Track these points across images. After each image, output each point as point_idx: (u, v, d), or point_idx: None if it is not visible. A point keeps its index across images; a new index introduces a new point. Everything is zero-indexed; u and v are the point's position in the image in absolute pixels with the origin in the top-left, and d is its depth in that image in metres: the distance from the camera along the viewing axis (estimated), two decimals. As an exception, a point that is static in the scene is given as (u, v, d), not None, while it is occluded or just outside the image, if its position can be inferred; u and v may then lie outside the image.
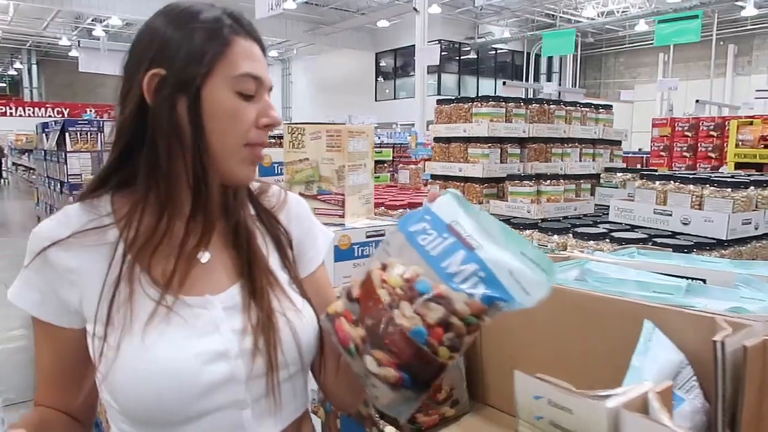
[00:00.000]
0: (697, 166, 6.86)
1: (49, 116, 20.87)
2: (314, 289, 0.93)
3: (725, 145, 6.59)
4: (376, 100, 22.44)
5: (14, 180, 21.02)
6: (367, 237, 1.54)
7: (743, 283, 1.13)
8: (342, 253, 1.50)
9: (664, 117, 8.62)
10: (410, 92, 18.97)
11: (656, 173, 2.87)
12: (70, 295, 0.79)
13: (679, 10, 16.18)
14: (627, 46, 21.98)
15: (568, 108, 3.43)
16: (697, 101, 11.20)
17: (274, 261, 0.89)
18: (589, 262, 1.32)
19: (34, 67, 29.22)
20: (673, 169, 6.86)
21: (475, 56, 21.38)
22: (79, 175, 3.48)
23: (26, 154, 17.73)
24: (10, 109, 24.42)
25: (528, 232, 2.76)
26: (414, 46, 10.82)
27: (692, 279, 1.15)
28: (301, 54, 24.70)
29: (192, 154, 0.78)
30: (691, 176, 2.69)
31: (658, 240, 2.37)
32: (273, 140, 2.70)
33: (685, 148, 7.09)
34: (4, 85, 33.62)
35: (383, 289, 0.68)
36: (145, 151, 0.79)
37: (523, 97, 3.17)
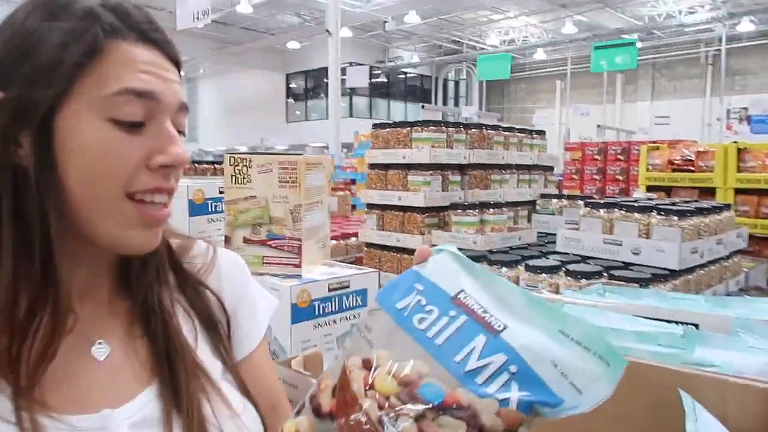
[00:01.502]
0: (607, 188, 7.15)
1: None
2: (255, 377, 0.70)
3: (631, 168, 6.92)
4: (287, 122, 22.09)
5: None
6: (330, 290, 1.28)
7: (743, 328, 1.05)
8: (300, 312, 1.22)
9: (575, 141, 8.97)
10: (322, 114, 18.84)
11: (600, 201, 2.82)
12: None
13: (574, 40, 17.25)
14: (527, 73, 23.10)
15: (505, 134, 3.34)
16: (598, 126, 11.82)
17: (203, 347, 0.65)
18: (563, 306, 1.22)
19: None
20: (585, 191, 7.11)
21: (386, 79, 21.63)
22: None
23: None
24: None
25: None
26: (326, 68, 10.65)
27: (682, 323, 1.08)
28: (209, 74, 23.92)
29: (38, 210, 0.54)
30: (635, 204, 2.66)
31: (614, 272, 2.28)
32: (210, 165, 2.39)
33: (594, 171, 7.39)
34: None
35: (370, 398, 0.47)
36: None
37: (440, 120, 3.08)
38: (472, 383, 0.47)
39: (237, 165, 1.30)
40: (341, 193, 4.21)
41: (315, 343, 1.22)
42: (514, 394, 0.46)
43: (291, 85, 22.22)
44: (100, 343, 0.60)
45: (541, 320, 0.49)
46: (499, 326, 0.49)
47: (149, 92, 0.56)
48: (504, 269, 2.55)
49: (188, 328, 0.66)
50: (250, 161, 1.30)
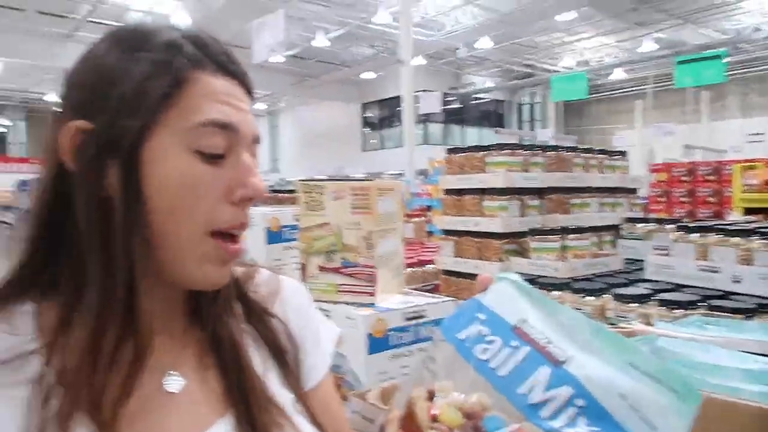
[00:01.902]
0: (697, 211, 6.71)
1: (33, 172, 21.05)
2: (321, 407, 0.68)
3: (723, 189, 6.47)
4: (363, 151, 22.50)
5: (-4, 237, 20.46)
6: (407, 320, 1.24)
7: None
8: (376, 343, 1.19)
9: (660, 163, 8.54)
10: (397, 141, 19.05)
11: (692, 225, 2.63)
12: None
13: (653, 58, 16.57)
14: (605, 93, 22.40)
15: (585, 155, 3.21)
16: (686, 146, 11.22)
17: (272, 378, 0.64)
18: (657, 339, 1.09)
19: (22, 124, 29.27)
20: (673, 214, 6.71)
21: (459, 105, 21.64)
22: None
23: (8, 210, 17.48)
24: (-6, 165, 24.79)
25: (557, 293, 2.49)
26: (399, 96, 10.78)
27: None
28: (288, 106, 24.88)
29: (122, 243, 0.53)
30: (732, 227, 2.46)
31: (713, 302, 2.10)
32: (289, 194, 2.44)
33: (683, 193, 6.97)
34: (-9, 142, 33.67)
35: (435, 430, 0.47)
36: (70, 241, 0.55)
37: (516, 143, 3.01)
38: (537, 417, 0.46)
39: (310, 192, 1.31)
40: (417, 219, 4.20)
41: (392, 375, 1.18)
42: (582, 429, 0.45)
43: (366, 115, 22.68)
44: (172, 375, 0.60)
45: (609, 351, 0.48)
46: (564, 357, 0.48)
47: (230, 124, 0.56)
48: (589, 298, 2.41)
49: (258, 358, 0.65)
50: (323, 188, 1.30)
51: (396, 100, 15.26)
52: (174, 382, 0.59)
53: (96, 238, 0.54)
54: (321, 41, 15.26)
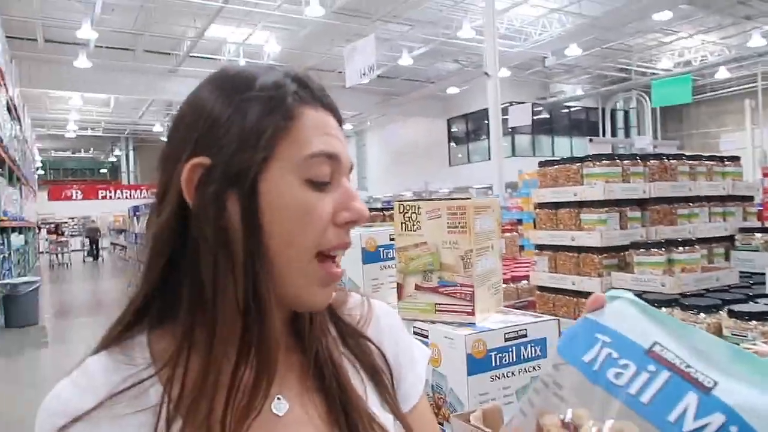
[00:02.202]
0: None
1: (144, 197, 22.94)
2: (419, 429, 0.71)
3: None
4: (450, 165, 22.44)
5: (112, 259, 22.27)
6: (507, 340, 1.21)
7: None
8: (476, 363, 1.17)
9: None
10: (484, 155, 18.87)
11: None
12: None
13: (763, 54, 15.35)
14: (709, 94, 21.00)
15: (691, 162, 3.01)
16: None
17: (372, 399, 0.65)
18: None
19: (131, 153, 31.93)
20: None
21: (548, 115, 21.08)
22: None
23: (122, 234, 19.04)
24: (110, 192, 27.79)
25: (665, 309, 2.33)
26: (486, 109, 10.67)
27: None
28: (374, 125, 25.33)
29: (243, 269, 0.56)
30: None
31: None
32: (379, 212, 2.47)
33: (804, 199, 6.36)
34: (106, 171, 36.98)
35: None
36: (188, 270, 0.58)
37: (614, 153, 2.86)
38: None
39: (406, 212, 1.31)
40: (509, 234, 4.10)
41: (493, 396, 1.16)
42: None
43: (452, 129, 22.65)
44: (278, 398, 0.61)
45: (754, 376, 0.44)
46: (709, 383, 0.45)
47: (336, 154, 0.60)
48: (701, 315, 2.24)
49: (356, 380, 0.66)
50: (419, 208, 1.31)
51: (482, 113, 15.13)
52: (280, 406, 0.61)
53: (215, 266, 0.57)
54: (406, 60, 15.44)
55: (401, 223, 1.32)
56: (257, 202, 0.57)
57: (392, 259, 1.43)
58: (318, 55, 16.22)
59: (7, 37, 11.70)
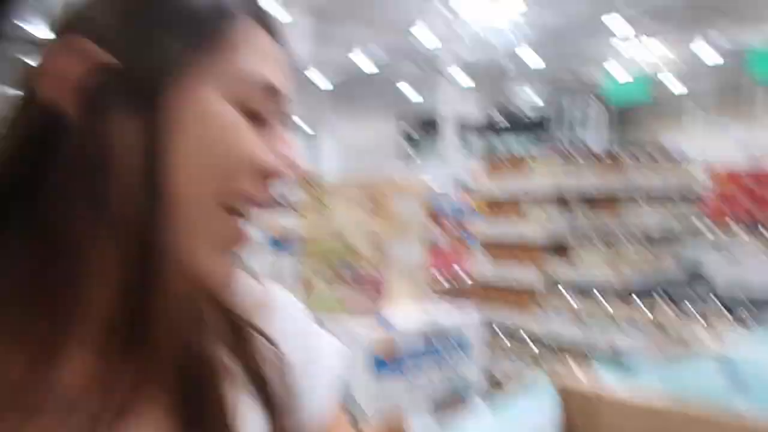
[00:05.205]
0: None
1: None
2: None
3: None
4: (404, 166, 22.55)
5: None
6: (423, 340, 1.06)
7: None
8: (383, 365, 1.02)
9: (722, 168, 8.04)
10: (438, 157, 18.99)
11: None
12: None
13: (713, 61, 15.86)
14: (657, 98, 21.70)
15: (638, 161, 2.98)
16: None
17: (252, 424, 0.46)
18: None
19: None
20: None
21: (503, 119, 21.40)
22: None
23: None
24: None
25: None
26: (442, 112, 10.68)
27: None
28: (328, 125, 25.26)
29: (136, 218, 0.38)
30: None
31: None
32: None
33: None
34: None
35: None
36: (34, 214, 0.39)
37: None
38: None
39: (314, 192, 1.16)
40: (451, 226, 4.04)
41: (399, 402, 1.01)
42: None
43: (406, 131, 22.77)
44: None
45: None
46: None
47: (281, 93, 0.45)
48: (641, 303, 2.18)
49: (231, 387, 0.47)
50: (329, 188, 1.15)
51: (437, 116, 15.22)
52: None
53: (93, 212, 0.38)
54: (360, 60, 15.44)
55: (309, 206, 1.17)
56: (167, 118, 0.39)
57: (296, 246, 1.27)
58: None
59: None
